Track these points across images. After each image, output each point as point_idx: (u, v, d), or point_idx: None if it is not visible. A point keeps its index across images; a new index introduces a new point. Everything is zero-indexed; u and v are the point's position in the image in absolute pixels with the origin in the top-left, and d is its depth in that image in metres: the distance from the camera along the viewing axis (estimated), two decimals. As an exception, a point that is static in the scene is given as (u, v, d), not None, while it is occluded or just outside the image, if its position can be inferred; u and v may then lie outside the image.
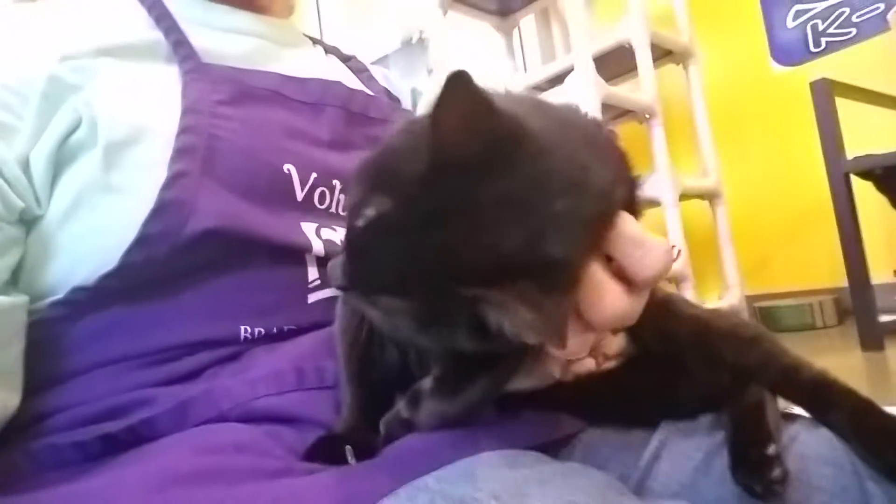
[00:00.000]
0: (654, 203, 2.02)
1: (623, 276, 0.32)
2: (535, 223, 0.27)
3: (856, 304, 1.73)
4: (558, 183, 0.28)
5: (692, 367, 0.43)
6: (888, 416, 0.38)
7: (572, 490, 0.28)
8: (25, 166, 0.43)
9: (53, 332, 0.42)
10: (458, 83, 0.26)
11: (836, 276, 2.04)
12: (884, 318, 1.75)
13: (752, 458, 0.37)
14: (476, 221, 0.27)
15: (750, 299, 2.31)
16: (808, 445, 0.40)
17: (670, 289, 2.07)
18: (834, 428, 0.40)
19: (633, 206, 0.36)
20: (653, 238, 0.32)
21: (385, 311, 0.30)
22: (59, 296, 0.42)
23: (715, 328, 0.45)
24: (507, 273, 0.26)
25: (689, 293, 2.00)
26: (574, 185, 0.29)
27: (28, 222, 0.43)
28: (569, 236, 0.28)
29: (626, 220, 0.32)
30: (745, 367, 0.43)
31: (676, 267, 1.96)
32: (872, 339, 1.68)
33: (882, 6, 2.21)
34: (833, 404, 0.41)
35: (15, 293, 0.42)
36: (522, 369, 0.38)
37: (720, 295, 2.28)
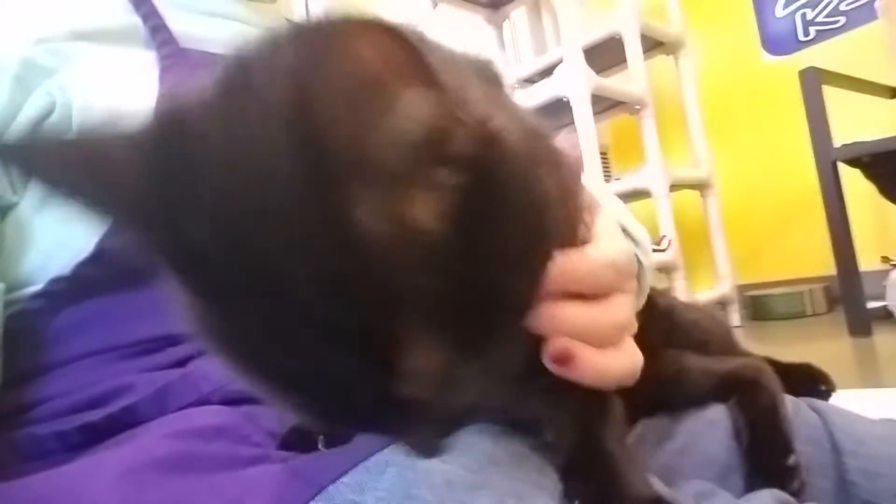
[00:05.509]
0: (646, 194, 2.03)
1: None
2: None
3: (844, 291, 1.74)
4: None
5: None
6: None
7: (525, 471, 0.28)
8: None
9: (34, 325, 0.42)
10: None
11: (825, 264, 2.05)
12: (872, 305, 1.77)
13: (771, 470, 0.37)
14: None
15: (741, 288, 2.33)
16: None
17: (661, 281, 2.08)
18: None
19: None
20: None
21: None
22: (39, 286, 0.42)
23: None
24: None
25: (680, 283, 2.01)
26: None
27: (3, 209, 0.43)
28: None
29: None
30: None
31: (668, 258, 1.97)
32: (860, 325, 1.70)
33: (870, -5, 2.22)
34: None
35: None
36: None
37: (711, 285, 2.30)
